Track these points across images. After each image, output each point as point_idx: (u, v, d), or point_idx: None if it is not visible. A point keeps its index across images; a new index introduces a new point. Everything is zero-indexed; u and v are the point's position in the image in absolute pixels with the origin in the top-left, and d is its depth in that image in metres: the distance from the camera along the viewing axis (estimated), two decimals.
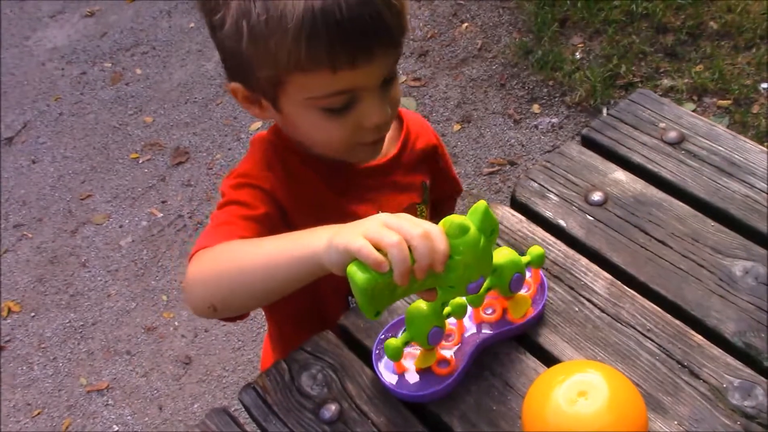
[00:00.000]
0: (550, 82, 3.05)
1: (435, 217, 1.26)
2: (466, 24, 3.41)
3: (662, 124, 1.27)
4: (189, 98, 3.39)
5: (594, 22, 3.17)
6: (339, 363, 1.02)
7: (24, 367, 2.55)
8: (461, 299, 0.97)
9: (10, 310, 2.70)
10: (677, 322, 1.01)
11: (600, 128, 1.28)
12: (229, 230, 1.02)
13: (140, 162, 3.16)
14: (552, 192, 1.20)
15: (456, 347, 0.99)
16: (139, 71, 3.58)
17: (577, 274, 1.08)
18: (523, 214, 1.18)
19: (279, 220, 1.08)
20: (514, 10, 3.41)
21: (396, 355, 0.94)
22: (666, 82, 2.89)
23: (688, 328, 1.00)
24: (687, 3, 3.11)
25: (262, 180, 1.09)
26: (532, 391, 0.84)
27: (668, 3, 3.13)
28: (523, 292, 1.02)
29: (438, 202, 1.41)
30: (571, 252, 1.11)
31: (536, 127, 2.92)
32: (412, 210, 1.24)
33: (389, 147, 1.21)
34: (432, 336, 0.94)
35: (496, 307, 1.02)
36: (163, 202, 2.97)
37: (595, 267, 1.09)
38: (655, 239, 1.10)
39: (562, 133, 2.87)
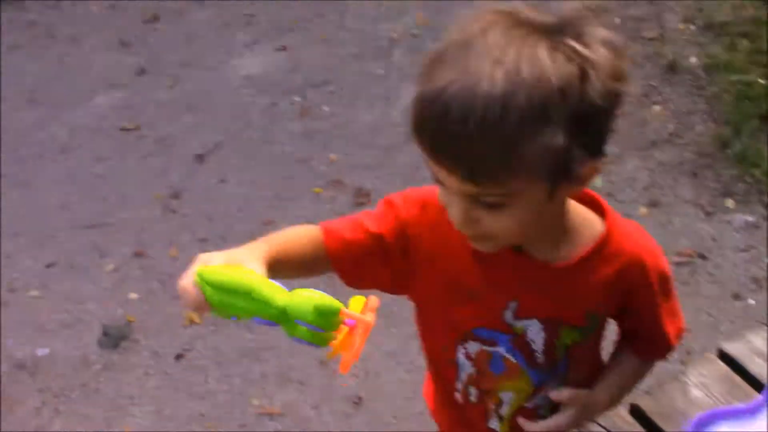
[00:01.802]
0: (747, 178, 2.98)
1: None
2: (658, 107, 3.39)
3: None
4: (373, 141, 3.49)
5: None
6: None
7: (200, 378, 2.64)
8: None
9: (192, 321, 2.82)
10: None
11: None
12: (342, 225, 1.14)
13: (322, 197, 3.26)
14: None
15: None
16: (326, 108, 3.72)
17: None
18: None
19: (387, 247, 1.13)
20: (710, 99, 3.37)
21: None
22: None
23: None
24: None
25: (403, 209, 1.14)
26: None
27: None
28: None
29: (631, 352, 1.27)
30: None
31: (729, 222, 2.86)
32: (552, 326, 1.15)
33: (565, 252, 1.11)
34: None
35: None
36: None
37: None
38: None
39: (758, 234, 2.79)
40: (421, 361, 2.56)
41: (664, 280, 1.17)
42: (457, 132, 0.88)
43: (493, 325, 1.14)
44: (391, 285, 1.18)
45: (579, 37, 0.90)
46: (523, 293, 1.13)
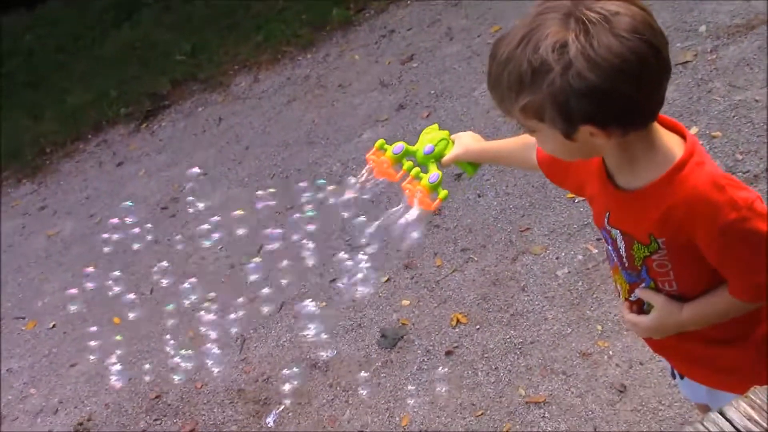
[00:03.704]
0: None
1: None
2: None
3: None
4: None
5: None
6: None
7: (469, 372, 2.83)
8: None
9: (458, 321, 3.03)
10: None
11: None
12: None
13: (576, 201, 3.34)
14: None
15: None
16: None
17: None
18: None
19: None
20: None
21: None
22: None
23: None
24: None
25: None
26: None
27: None
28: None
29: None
30: None
31: None
32: (628, 239, 1.37)
33: (640, 180, 1.29)
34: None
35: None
36: (598, 239, 3.11)
37: None
38: None
39: None
40: None
41: (727, 232, 1.24)
42: (489, 81, 1.25)
43: (602, 227, 1.43)
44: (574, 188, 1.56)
45: (583, 23, 1.13)
46: (611, 208, 1.39)
